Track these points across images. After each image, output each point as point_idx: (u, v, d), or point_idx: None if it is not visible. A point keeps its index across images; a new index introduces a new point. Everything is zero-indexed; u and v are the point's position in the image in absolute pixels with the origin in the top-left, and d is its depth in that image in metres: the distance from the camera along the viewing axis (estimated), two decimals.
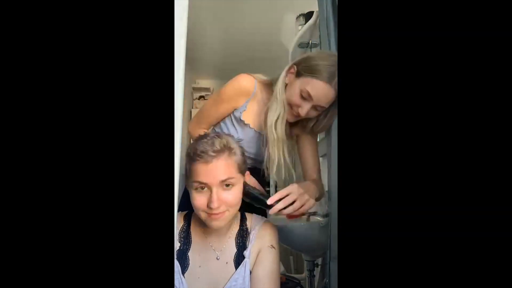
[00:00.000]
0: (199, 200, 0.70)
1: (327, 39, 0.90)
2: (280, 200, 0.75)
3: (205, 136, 0.74)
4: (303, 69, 0.86)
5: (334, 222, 0.80)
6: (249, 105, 0.95)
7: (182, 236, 0.79)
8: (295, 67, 0.89)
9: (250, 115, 0.96)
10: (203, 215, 0.72)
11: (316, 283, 1.59)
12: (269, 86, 0.95)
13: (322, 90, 0.82)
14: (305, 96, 0.84)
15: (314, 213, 1.67)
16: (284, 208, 0.75)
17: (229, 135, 0.79)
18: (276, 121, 0.89)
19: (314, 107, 0.85)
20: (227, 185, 0.70)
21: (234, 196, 0.72)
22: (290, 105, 0.88)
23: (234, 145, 0.74)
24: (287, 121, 0.91)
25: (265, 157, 0.95)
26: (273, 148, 0.91)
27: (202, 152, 0.68)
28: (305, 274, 1.64)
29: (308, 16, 1.68)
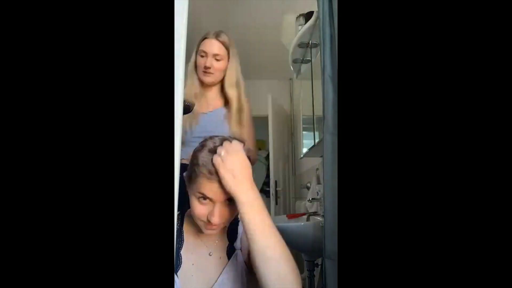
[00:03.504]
0: (200, 210, 0.69)
1: (328, 39, 0.90)
2: None
3: (208, 144, 0.70)
4: (198, 46, 1.28)
5: (328, 222, 0.81)
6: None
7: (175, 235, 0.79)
8: (195, 52, 1.29)
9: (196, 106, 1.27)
10: (200, 223, 0.71)
11: (316, 283, 1.59)
12: None
13: (209, 42, 1.24)
14: (204, 54, 1.24)
15: (314, 213, 1.67)
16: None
17: (233, 138, 0.74)
18: (191, 86, 1.27)
19: (214, 58, 1.23)
20: (230, 201, 0.68)
21: (233, 211, 0.70)
22: (202, 71, 1.24)
23: None
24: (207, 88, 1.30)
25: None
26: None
27: (210, 172, 0.65)
28: (305, 274, 1.64)
29: (308, 16, 1.67)
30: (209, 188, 0.66)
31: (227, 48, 1.25)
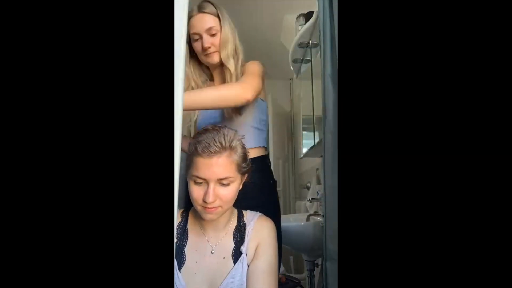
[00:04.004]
0: (196, 192, 0.72)
1: (328, 39, 0.90)
2: None
3: (210, 129, 0.75)
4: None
5: (329, 223, 0.81)
6: None
7: (178, 232, 0.81)
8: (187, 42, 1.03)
9: None
10: (198, 207, 0.74)
11: (316, 283, 1.59)
12: None
13: (196, 19, 0.99)
14: (196, 37, 1.01)
15: (315, 213, 1.67)
16: None
17: (234, 130, 0.79)
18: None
19: (207, 33, 1.00)
20: (225, 183, 0.72)
21: (229, 192, 0.74)
22: (203, 55, 1.03)
23: (236, 142, 0.75)
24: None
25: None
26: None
27: (205, 147, 0.70)
28: (305, 274, 1.64)
29: (308, 16, 1.68)
30: (204, 167, 0.70)
31: (218, 17, 1.01)
